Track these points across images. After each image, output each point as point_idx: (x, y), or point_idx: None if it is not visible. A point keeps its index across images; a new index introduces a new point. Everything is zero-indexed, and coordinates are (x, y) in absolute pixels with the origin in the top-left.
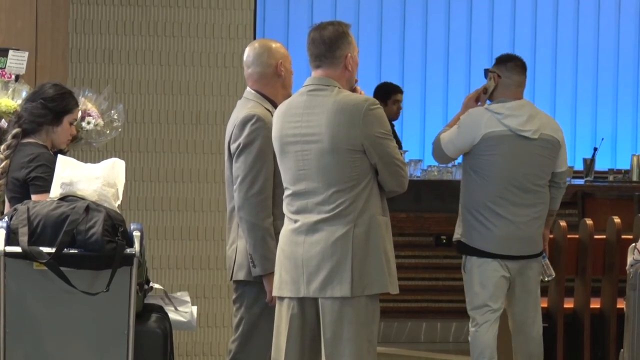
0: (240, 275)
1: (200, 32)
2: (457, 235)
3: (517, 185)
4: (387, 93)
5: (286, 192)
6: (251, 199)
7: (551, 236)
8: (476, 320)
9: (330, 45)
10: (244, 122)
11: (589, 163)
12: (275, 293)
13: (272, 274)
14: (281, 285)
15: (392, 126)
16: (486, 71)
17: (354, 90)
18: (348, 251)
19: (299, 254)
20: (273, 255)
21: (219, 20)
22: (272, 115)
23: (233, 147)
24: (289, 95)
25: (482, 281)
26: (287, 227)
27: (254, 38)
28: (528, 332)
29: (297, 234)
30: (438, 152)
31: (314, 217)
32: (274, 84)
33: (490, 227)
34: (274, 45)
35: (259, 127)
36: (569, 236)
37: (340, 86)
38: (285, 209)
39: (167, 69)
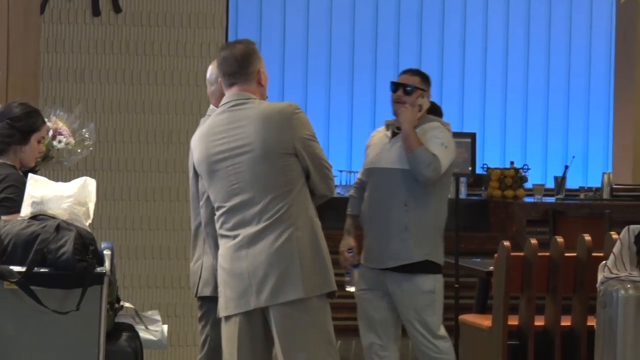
0: (206, 292)
1: (172, 50)
2: (422, 256)
3: None
4: None
5: (219, 211)
6: None
7: (522, 254)
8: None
9: (242, 61)
10: None
11: (560, 181)
12: (221, 314)
13: None
14: (227, 304)
15: None
16: (411, 87)
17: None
18: (294, 254)
19: (244, 268)
20: None
21: (190, 39)
22: None
23: None
24: None
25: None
26: (225, 245)
27: None
28: None
29: (237, 248)
30: (439, 172)
31: (254, 228)
32: None
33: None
34: None
35: None
36: (539, 254)
37: (258, 99)
38: (220, 229)
39: (139, 88)
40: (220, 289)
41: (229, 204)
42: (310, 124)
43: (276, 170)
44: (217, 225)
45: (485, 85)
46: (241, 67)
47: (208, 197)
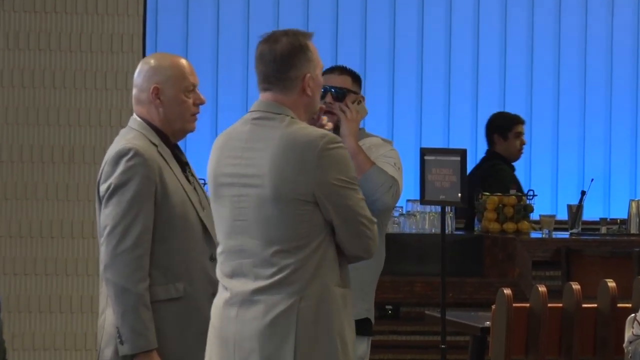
0: (107, 354)
1: (74, 44)
2: (362, 312)
3: None
4: (507, 125)
5: (219, 248)
6: (122, 255)
7: (527, 305)
8: None
9: (282, 63)
10: (117, 157)
11: (576, 211)
12: None
13: (146, 353)
14: None
15: (512, 168)
16: (346, 91)
17: (316, 120)
18: (291, 332)
19: (231, 333)
20: (147, 329)
21: (98, 29)
22: (157, 151)
23: (102, 188)
24: (183, 130)
25: None
26: (219, 296)
27: (143, 52)
28: None
29: (228, 306)
30: (397, 200)
31: (249, 285)
32: (152, 111)
33: None
34: (160, 62)
35: (137, 164)
36: (549, 305)
37: (294, 115)
38: (218, 272)
39: (32, 92)
40: (207, 350)
41: (228, 243)
42: (349, 163)
43: (286, 218)
44: (217, 266)
45: (478, 87)
46: (280, 70)
47: (110, 232)
